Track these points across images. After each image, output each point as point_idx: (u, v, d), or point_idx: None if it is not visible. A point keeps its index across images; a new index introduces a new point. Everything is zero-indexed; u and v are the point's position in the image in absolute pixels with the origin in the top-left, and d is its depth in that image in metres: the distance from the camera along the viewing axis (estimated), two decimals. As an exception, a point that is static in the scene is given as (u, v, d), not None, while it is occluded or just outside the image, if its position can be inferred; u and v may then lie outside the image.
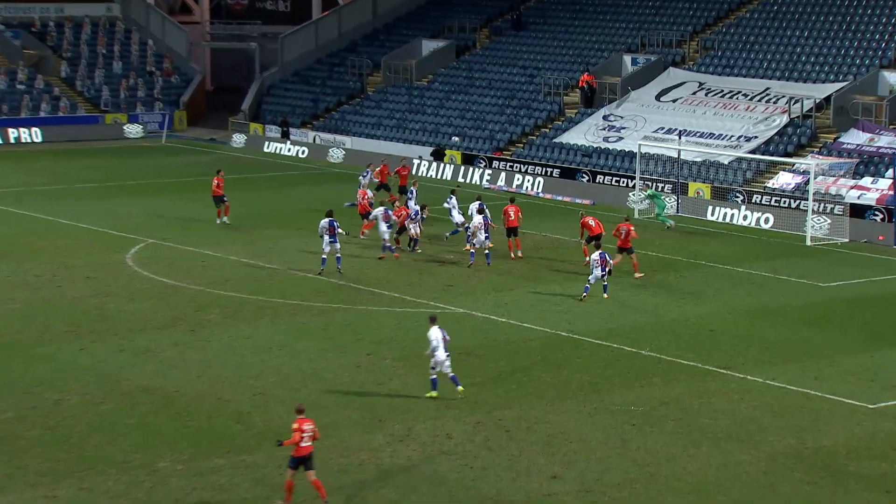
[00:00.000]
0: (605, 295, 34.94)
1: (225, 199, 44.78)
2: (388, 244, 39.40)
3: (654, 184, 50.13)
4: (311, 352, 29.62)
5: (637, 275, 37.35)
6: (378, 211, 39.59)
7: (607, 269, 34.93)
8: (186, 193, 52.56)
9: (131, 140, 70.90)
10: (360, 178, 48.20)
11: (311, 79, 74.19)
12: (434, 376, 26.12)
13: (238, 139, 69.62)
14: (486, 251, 38.87)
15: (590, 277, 34.87)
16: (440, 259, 39.86)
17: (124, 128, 71.79)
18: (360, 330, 31.59)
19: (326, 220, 36.98)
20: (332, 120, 69.13)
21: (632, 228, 37.49)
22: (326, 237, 36.85)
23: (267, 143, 68.07)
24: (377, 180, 49.17)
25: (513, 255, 39.71)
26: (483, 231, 38.52)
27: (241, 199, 50.34)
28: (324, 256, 37.08)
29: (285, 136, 68.23)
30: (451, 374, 26.12)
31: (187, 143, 70.08)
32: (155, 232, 43.60)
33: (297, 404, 21.53)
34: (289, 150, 66.49)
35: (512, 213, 39.68)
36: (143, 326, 31.47)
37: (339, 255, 37.40)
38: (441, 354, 25.86)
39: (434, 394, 26.14)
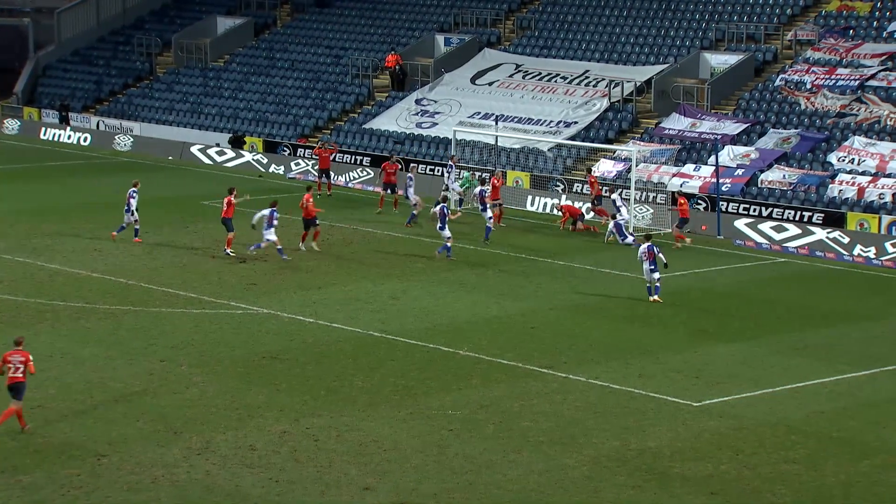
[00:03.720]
0: (653, 297, 34.87)
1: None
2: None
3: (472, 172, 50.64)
4: (97, 359, 28.99)
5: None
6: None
7: (656, 264, 34.58)
8: (-48, 185, 50.75)
9: None
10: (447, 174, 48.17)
11: (93, 59, 72.45)
12: None
13: (11, 125, 67.59)
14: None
15: (644, 274, 34.97)
16: (242, 256, 39.49)
17: None
18: (152, 334, 31.09)
19: (268, 209, 38.53)
20: (117, 104, 67.68)
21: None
22: (265, 227, 38.33)
23: (44, 129, 66.27)
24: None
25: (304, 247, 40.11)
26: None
27: (17, 191, 48.92)
28: (261, 244, 38.72)
29: (65, 121, 66.52)
30: None
31: (-47, 130, 67.70)
32: (-84, 229, 42.03)
33: (16, 336, 24.87)
34: (69, 137, 64.87)
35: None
36: None
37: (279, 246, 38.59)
38: None
39: None
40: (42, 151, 61.83)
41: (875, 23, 54.77)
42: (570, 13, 62.64)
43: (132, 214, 40.50)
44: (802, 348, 31.54)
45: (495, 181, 46.22)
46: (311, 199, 40.26)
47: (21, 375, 24.14)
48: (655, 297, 35.00)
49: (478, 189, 45.18)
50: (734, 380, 28.80)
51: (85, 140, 64.22)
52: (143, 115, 65.54)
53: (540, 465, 23.42)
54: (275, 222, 38.46)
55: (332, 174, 51.88)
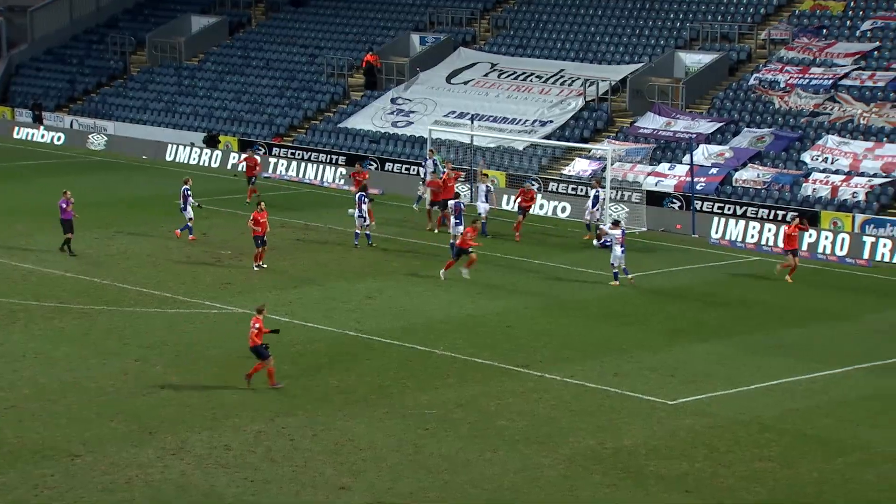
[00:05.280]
0: (629, 277, 36.74)
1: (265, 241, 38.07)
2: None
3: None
4: (71, 359, 28.87)
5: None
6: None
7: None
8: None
9: None
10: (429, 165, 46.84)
11: (66, 57, 72.14)
12: None
13: (-16, 124, 67.27)
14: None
15: (612, 260, 36.90)
16: (216, 255, 39.40)
17: None
18: (126, 334, 30.97)
19: (358, 194, 40.48)
20: (91, 103, 67.41)
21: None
22: (356, 211, 40.13)
23: (17, 128, 65.95)
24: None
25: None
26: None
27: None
28: (356, 231, 40.20)
29: (38, 120, 66.22)
30: None
31: (-75, 129, 67.27)
32: None
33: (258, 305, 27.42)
34: (42, 136, 64.58)
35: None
36: None
37: (367, 231, 40.43)
38: None
39: None
40: (15, 151, 61.52)
41: (848, 22, 55.00)
42: (545, 12, 62.68)
43: (189, 212, 40.77)
44: (777, 347, 31.66)
45: (445, 177, 44.45)
46: (470, 233, 37.14)
47: (252, 340, 26.74)
48: (630, 277, 36.83)
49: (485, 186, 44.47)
50: (709, 378, 28.88)
51: (58, 139, 63.91)
52: (117, 115, 65.28)
53: (516, 464, 23.44)
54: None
55: (254, 180, 50.27)
